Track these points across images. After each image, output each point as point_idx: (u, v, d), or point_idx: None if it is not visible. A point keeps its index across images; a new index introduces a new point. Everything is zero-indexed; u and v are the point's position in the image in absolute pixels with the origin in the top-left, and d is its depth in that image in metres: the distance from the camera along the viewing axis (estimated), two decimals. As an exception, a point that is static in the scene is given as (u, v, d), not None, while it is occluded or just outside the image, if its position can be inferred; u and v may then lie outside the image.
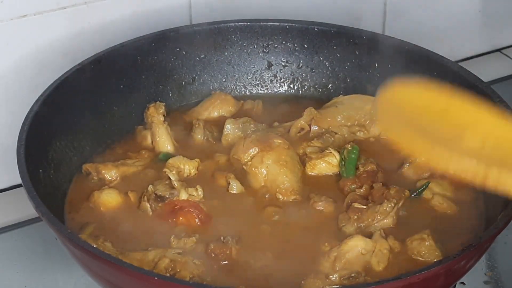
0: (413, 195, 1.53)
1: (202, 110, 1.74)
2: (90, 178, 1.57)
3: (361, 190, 1.52)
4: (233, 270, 1.39)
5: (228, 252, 1.40)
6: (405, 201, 1.50)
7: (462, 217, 1.51)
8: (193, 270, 1.36)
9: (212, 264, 1.39)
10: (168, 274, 1.35)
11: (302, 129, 1.66)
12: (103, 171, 1.56)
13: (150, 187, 1.50)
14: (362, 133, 1.67)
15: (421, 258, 1.42)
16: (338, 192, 1.55)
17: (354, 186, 1.54)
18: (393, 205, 1.47)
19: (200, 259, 1.38)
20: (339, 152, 1.59)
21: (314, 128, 1.67)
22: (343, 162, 1.58)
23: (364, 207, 1.48)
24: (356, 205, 1.49)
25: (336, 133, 1.66)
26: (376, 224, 1.46)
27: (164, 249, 1.39)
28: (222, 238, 1.42)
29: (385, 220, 1.47)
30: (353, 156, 1.58)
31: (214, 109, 1.74)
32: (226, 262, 1.40)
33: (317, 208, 1.51)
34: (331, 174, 1.59)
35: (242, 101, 1.76)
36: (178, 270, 1.35)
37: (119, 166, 1.57)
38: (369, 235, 1.43)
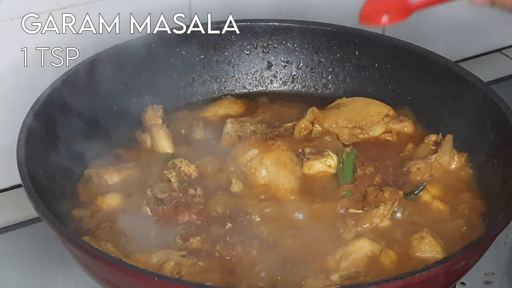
0: (411, 195, 1.53)
1: (209, 107, 1.74)
2: (92, 182, 1.57)
3: (356, 195, 1.53)
4: (236, 269, 1.39)
5: (234, 252, 1.41)
6: (403, 202, 1.51)
7: (462, 217, 1.51)
8: (197, 272, 1.36)
9: (216, 264, 1.39)
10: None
11: (305, 129, 1.67)
12: (105, 176, 1.56)
13: (149, 191, 1.50)
14: (362, 135, 1.67)
15: (423, 255, 1.42)
16: (334, 191, 1.55)
17: (350, 191, 1.54)
18: (389, 207, 1.48)
19: (204, 260, 1.39)
20: (337, 154, 1.59)
21: (317, 128, 1.67)
22: (341, 165, 1.58)
23: (360, 211, 1.48)
24: (352, 210, 1.49)
25: (336, 134, 1.66)
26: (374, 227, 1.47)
27: (168, 252, 1.39)
28: (228, 238, 1.42)
29: (382, 223, 1.47)
30: (351, 159, 1.58)
31: (222, 107, 1.74)
32: (230, 261, 1.40)
33: (317, 208, 1.51)
34: (329, 173, 1.59)
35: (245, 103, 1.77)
36: (183, 273, 1.36)
37: (121, 169, 1.58)
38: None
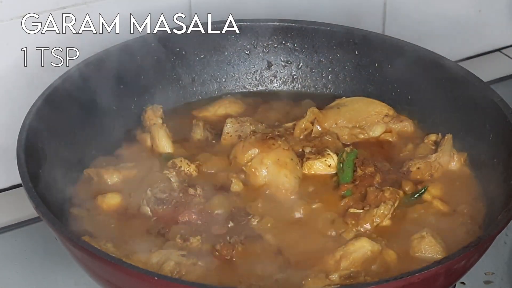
0: (412, 198, 1.53)
1: (209, 107, 1.74)
2: (92, 182, 1.57)
3: (356, 195, 1.53)
4: (235, 269, 1.39)
5: (233, 251, 1.41)
6: (403, 202, 1.51)
7: (462, 217, 1.51)
8: (197, 272, 1.36)
9: (216, 264, 1.39)
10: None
11: (306, 129, 1.66)
12: (105, 176, 1.56)
13: (149, 191, 1.50)
14: (362, 135, 1.67)
15: (423, 255, 1.42)
16: (334, 191, 1.55)
17: (350, 191, 1.54)
18: (390, 207, 1.48)
19: (204, 260, 1.38)
20: (337, 154, 1.59)
21: (317, 128, 1.67)
22: (341, 165, 1.58)
23: (361, 211, 1.48)
24: (352, 210, 1.49)
25: (336, 134, 1.66)
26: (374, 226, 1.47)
27: (168, 252, 1.39)
28: (228, 238, 1.42)
29: (383, 223, 1.47)
30: (351, 159, 1.58)
31: (221, 107, 1.74)
32: (230, 261, 1.40)
33: (317, 208, 1.51)
34: (329, 173, 1.59)
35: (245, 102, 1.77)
36: (183, 273, 1.35)
37: (120, 169, 1.57)
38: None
